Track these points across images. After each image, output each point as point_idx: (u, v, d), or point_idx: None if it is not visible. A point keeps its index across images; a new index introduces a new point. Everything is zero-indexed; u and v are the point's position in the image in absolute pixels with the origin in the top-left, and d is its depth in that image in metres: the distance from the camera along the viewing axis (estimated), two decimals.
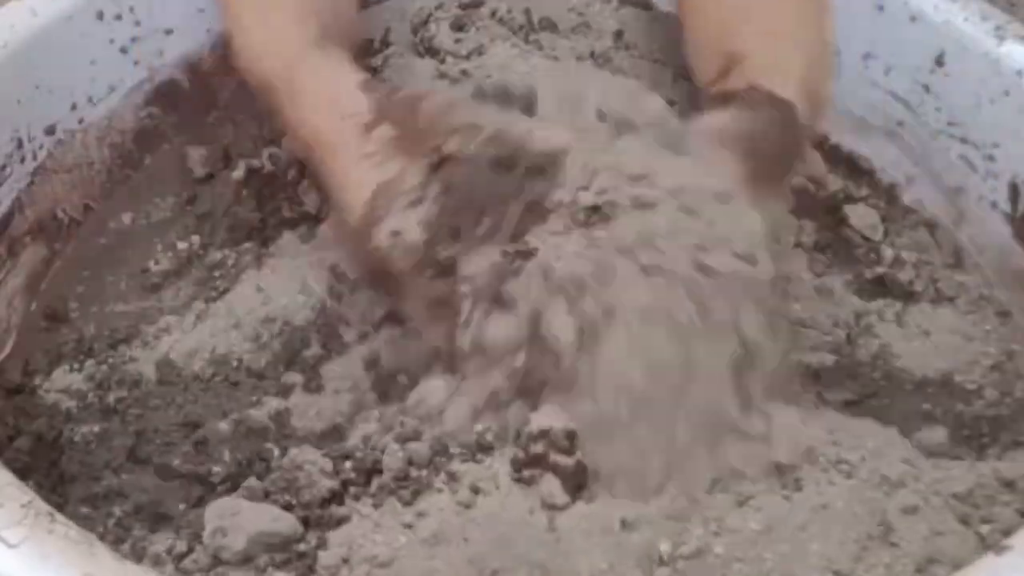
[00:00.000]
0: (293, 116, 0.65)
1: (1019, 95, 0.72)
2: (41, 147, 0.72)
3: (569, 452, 0.54)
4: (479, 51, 0.75)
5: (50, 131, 0.72)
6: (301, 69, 0.65)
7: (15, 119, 0.70)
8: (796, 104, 0.66)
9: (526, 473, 0.55)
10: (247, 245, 0.73)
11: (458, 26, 0.77)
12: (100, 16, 0.74)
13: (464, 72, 0.74)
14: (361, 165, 0.60)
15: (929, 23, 0.77)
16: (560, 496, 0.54)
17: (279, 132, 0.74)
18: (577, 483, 0.54)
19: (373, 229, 0.59)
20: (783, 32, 0.71)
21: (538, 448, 0.54)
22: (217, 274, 0.71)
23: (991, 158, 0.74)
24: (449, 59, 0.76)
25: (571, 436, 0.54)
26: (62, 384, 0.65)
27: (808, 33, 0.72)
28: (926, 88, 0.78)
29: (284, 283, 0.68)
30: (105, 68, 0.75)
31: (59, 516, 0.48)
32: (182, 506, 0.58)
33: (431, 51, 0.77)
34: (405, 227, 0.58)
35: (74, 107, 0.74)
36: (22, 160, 0.70)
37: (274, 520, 0.53)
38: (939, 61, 0.77)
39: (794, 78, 0.68)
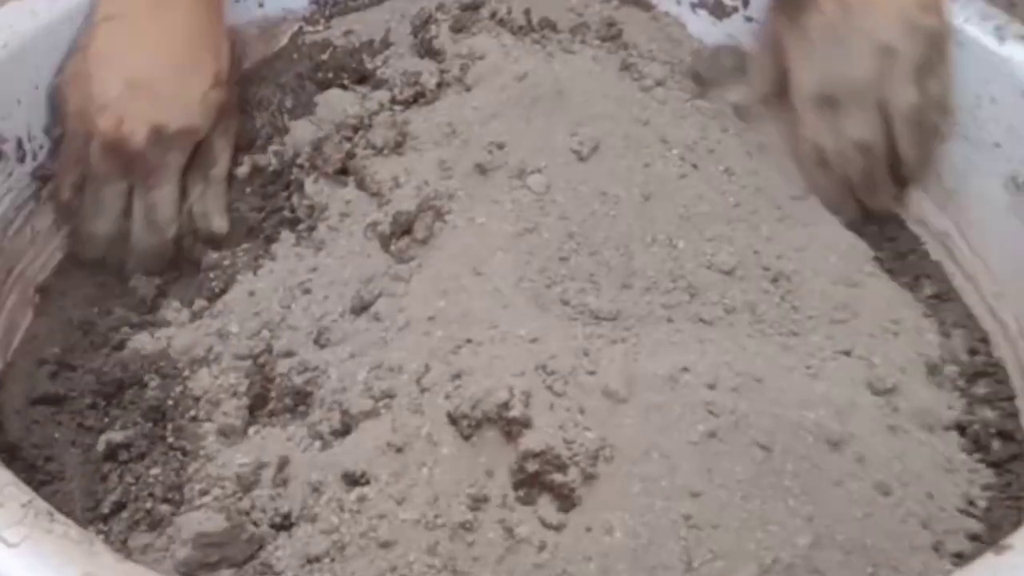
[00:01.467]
0: None
1: (1019, 95, 0.72)
2: (41, 147, 0.72)
3: (564, 469, 0.54)
4: (480, 55, 0.75)
5: (50, 131, 0.72)
6: None
7: (15, 119, 0.70)
8: None
9: (522, 492, 0.55)
10: (245, 246, 0.73)
11: (458, 28, 0.77)
12: None
13: (463, 71, 0.74)
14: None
15: None
16: (554, 516, 0.54)
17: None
18: (572, 502, 0.55)
19: None
20: None
21: (534, 466, 0.55)
22: (212, 275, 0.71)
23: (992, 158, 0.74)
24: (449, 60, 0.76)
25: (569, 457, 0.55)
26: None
27: None
28: None
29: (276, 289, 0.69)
30: None
31: (59, 516, 0.48)
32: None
33: (431, 52, 0.77)
34: None
35: None
36: (22, 160, 0.70)
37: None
38: None
39: None
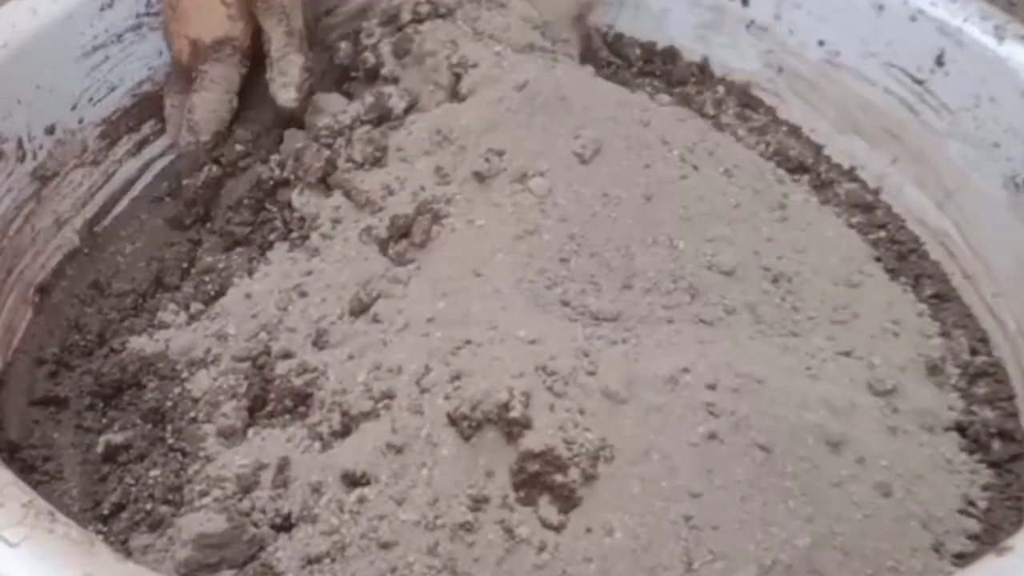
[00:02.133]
0: None
1: (1019, 95, 0.72)
2: (41, 147, 0.72)
3: (564, 470, 0.54)
4: (472, 64, 0.74)
5: (50, 131, 0.72)
6: None
7: (15, 119, 0.70)
8: None
9: (522, 493, 0.55)
10: (239, 249, 0.73)
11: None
12: (103, 9, 0.75)
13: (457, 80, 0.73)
14: None
15: (929, 23, 0.77)
16: (554, 516, 0.54)
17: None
18: (572, 503, 0.55)
19: None
20: None
21: (534, 467, 0.54)
22: (208, 279, 0.71)
23: (991, 157, 0.74)
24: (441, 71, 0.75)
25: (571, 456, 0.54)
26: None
27: None
28: (926, 88, 0.78)
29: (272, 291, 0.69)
30: (105, 68, 0.75)
31: (59, 516, 0.48)
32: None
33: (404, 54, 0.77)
34: None
35: (74, 107, 0.74)
36: (22, 160, 0.70)
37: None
38: (939, 61, 0.77)
39: None
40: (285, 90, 0.75)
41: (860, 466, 0.58)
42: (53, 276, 0.72)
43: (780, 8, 0.85)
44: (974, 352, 0.71)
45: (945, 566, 0.57)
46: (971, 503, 0.61)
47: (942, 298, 0.75)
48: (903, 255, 0.78)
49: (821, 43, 0.83)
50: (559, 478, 0.54)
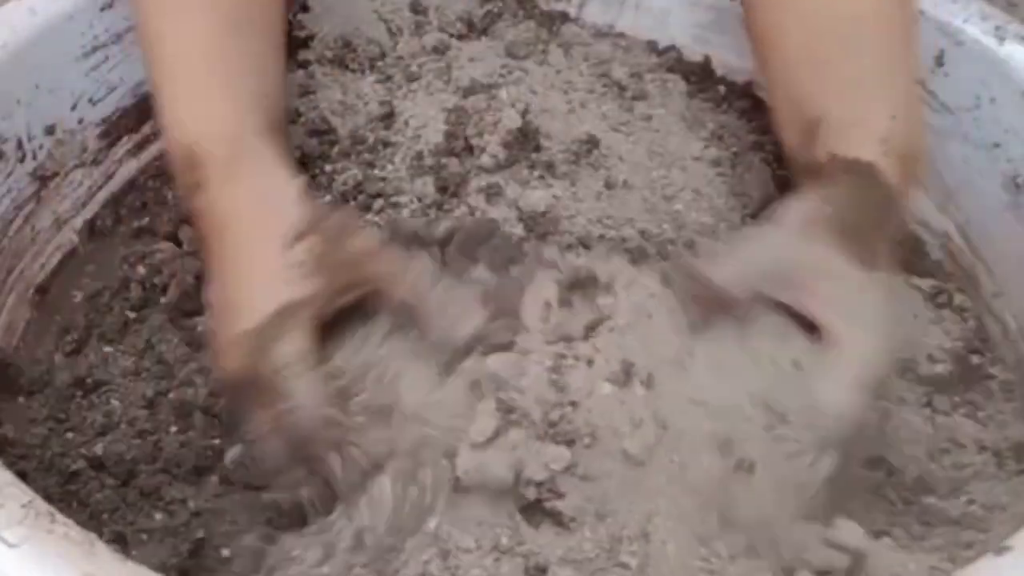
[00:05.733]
0: (215, 197, 0.60)
1: (1019, 95, 0.72)
2: (41, 147, 0.72)
3: (561, 495, 0.54)
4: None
5: (50, 131, 0.72)
6: (240, 156, 0.60)
7: (15, 119, 0.70)
8: (879, 164, 0.61)
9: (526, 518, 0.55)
10: None
11: None
12: (103, 9, 0.74)
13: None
14: (274, 276, 0.57)
15: (929, 23, 0.77)
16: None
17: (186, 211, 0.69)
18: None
19: (268, 344, 0.55)
20: (862, 79, 0.64)
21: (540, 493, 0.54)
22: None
23: (992, 158, 0.74)
24: None
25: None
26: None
27: (891, 74, 0.65)
28: (926, 88, 0.78)
29: None
30: (105, 68, 0.75)
31: (59, 516, 0.48)
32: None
33: None
34: (301, 354, 0.55)
35: (74, 107, 0.74)
36: (22, 160, 0.70)
37: None
38: (939, 61, 0.77)
39: (875, 133, 0.62)
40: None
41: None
42: (53, 276, 0.72)
43: None
44: (974, 352, 0.71)
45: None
46: None
47: (942, 298, 0.75)
48: (903, 255, 0.77)
49: None
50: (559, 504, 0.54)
